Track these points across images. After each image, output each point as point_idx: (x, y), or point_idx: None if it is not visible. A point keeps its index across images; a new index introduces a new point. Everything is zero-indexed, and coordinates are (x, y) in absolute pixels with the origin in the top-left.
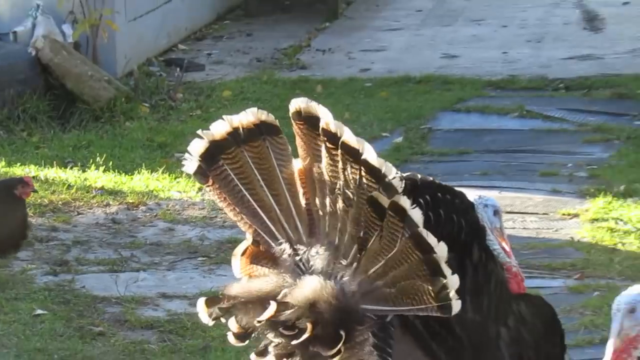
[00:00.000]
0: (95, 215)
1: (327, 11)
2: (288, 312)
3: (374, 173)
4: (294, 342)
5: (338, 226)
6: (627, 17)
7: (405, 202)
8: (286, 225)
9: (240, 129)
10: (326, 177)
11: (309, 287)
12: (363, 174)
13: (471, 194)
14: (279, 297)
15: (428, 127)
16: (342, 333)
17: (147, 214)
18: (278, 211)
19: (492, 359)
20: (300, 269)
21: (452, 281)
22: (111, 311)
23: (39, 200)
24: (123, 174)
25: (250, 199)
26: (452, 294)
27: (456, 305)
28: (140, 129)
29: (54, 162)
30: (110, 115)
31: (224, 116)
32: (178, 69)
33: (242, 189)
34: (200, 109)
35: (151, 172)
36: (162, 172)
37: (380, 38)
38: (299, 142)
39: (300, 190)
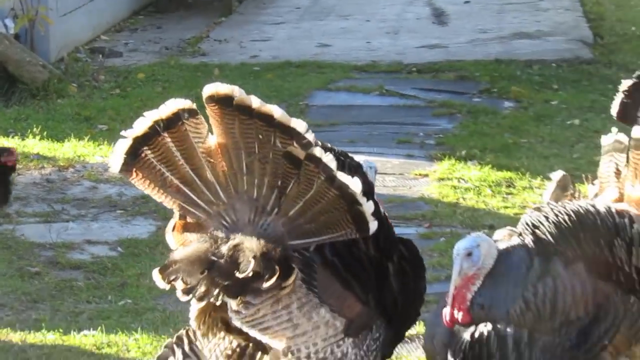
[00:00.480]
0: (32, 176)
1: (222, 8)
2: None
3: (288, 131)
4: (239, 276)
5: (256, 182)
6: (468, 13)
7: (319, 151)
8: (207, 193)
9: (160, 121)
10: (241, 145)
11: (239, 237)
12: (278, 134)
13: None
14: (214, 252)
15: (305, 103)
16: (277, 268)
17: (75, 174)
18: (199, 182)
19: (387, 286)
20: (226, 226)
21: (368, 207)
22: (45, 255)
23: None
24: (55, 142)
25: (173, 178)
26: (369, 216)
27: (373, 226)
28: (70, 105)
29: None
30: (45, 93)
31: (144, 113)
32: (100, 56)
33: (165, 171)
34: (119, 88)
35: (78, 140)
36: (88, 140)
37: (266, 30)
38: (212, 121)
39: (218, 161)
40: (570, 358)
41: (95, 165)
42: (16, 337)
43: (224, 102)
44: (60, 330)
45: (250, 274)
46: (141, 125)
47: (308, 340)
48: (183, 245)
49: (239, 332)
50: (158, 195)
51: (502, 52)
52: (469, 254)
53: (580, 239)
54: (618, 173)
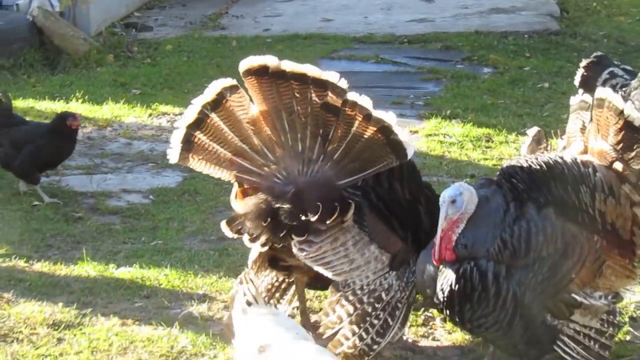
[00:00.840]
0: None
1: None
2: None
3: (323, 84)
4: (304, 219)
5: (299, 137)
6: None
7: (354, 95)
8: (258, 158)
9: (207, 105)
10: (281, 107)
11: (294, 188)
12: (313, 89)
13: None
14: (274, 204)
15: None
16: (336, 206)
17: (113, 133)
18: (248, 150)
19: (419, 225)
20: (280, 181)
21: (404, 134)
22: (87, 202)
23: None
24: (95, 105)
25: (226, 152)
26: (406, 144)
27: (410, 151)
28: (107, 72)
29: (46, 97)
30: (86, 63)
31: (193, 100)
32: (133, 30)
33: (218, 147)
34: (149, 58)
35: (115, 103)
36: (123, 103)
37: (277, 7)
38: (252, 92)
39: (263, 126)
40: (543, 289)
41: (129, 125)
42: (62, 272)
43: (260, 72)
44: (101, 267)
45: (314, 216)
46: (191, 112)
47: (361, 274)
48: (245, 204)
49: (281, 269)
50: (215, 171)
51: (481, 25)
52: (454, 201)
53: (551, 186)
54: (583, 129)
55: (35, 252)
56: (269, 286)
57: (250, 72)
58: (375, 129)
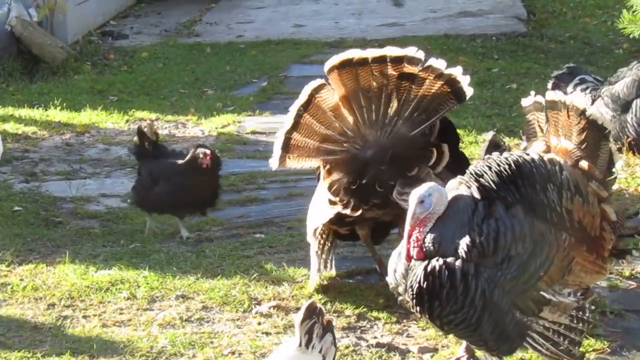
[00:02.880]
0: (54, 140)
1: None
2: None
3: (399, 59)
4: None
5: (373, 108)
6: None
7: (432, 60)
8: (339, 137)
9: (301, 107)
10: (358, 89)
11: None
12: (390, 64)
13: None
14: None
15: (284, 74)
16: (432, 151)
17: (91, 139)
18: (331, 134)
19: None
20: (357, 148)
21: (466, 80)
22: (67, 207)
23: (15, 131)
24: (73, 112)
25: (314, 142)
26: (466, 88)
27: (469, 91)
28: (85, 80)
29: (25, 105)
30: (63, 71)
31: (290, 107)
32: (110, 38)
33: (308, 141)
34: (126, 66)
35: (93, 110)
36: (100, 110)
37: (249, 14)
38: (335, 85)
39: (342, 110)
40: (512, 287)
41: (107, 131)
42: (43, 276)
43: (343, 65)
44: (81, 270)
45: (414, 171)
46: (288, 119)
47: None
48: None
49: (343, 225)
50: (305, 164)
51: (450, 28)
52: (422, 201)
53: (519, 184)
54: (541, 129)
55: (17, 257)
56: (328, 244)
57: (333, 68)
58: (442, 82)
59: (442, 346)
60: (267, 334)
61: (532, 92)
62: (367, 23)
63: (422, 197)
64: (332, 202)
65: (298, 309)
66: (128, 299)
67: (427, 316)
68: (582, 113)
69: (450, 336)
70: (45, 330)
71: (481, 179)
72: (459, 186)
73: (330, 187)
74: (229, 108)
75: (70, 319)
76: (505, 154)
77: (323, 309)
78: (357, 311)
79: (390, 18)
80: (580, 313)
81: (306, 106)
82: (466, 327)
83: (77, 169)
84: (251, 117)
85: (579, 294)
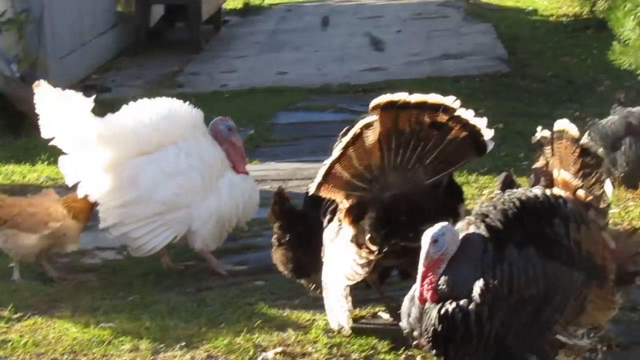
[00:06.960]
0: None
1: (192, 47)
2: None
3: (436, 107)
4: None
5: (400, 152)
6: (401, 41)
7: (461, 110)
8: (366, 174)
9: (351, 141)
10: (393, 132)
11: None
12: (427, 111)
13: None
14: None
15: (271, 122)
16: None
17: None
18: (360, 170)
19: None
20: (378, 189)
21: (489, 134)
22: (62, 261)
23: (3, 186)
24: None
25: (347, 175)
26: (489, 142)
27: (490, 145)
28: None
29: (12, 160)
30: None
31: (341, 139)
32: (93, 91)
33: (343, 173)
34: None
35: None
36: None
37: (231, 63)
38: (376, 122)
39: (376, 149)
40: (527, 331)
41: None
42: (44, 331)
43: (387, 106)
44: (81, 324)
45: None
46: (337, 150)
47: None
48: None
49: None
50: (333, 196)
51: (433, 70)
52: (436, 241)
53: (525, 221)
54: (547, 164)
55: (15, 314)
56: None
57: (377, 107)
58: (466, 133)
59: None
60: None
61: (539, 128)
62: (350, 68)
63: (435, 237)
64: (368, 252)
65: (304, 354)
66: (131, 351)
67: (443, 358)
68: (576, 140)
69: None
70: None
71: (487, 219)
72: (468, 227)
73: (359, 235)
74: None
75: None
76: (508, 192)
77: None
78: (363, 354)
79: (373, 63)
80: (594, 355)
81: (354, 140)
82: None
83: None
84: None
85: (591, 334)
